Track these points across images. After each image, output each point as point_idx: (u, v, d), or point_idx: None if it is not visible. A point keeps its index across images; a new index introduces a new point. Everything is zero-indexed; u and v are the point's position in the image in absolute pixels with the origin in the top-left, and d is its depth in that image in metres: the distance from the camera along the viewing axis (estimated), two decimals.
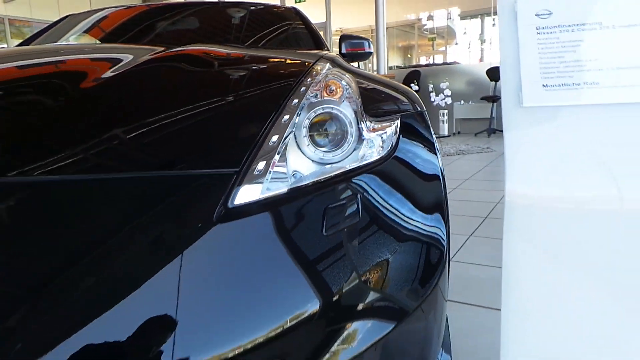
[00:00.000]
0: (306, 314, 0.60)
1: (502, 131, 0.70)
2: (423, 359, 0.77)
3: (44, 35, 2.24)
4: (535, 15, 0.71)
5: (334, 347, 0.62)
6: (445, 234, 0.82)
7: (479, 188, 3.59)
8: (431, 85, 7.50)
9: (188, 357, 0.51)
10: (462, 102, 7.54)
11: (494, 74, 6.87)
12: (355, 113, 0.84)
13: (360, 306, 0.65)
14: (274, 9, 2.62)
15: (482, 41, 10.89)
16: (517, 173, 0.66)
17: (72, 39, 2.17)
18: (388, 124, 0.88)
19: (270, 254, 0.62)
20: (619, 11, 0.66)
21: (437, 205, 0.85)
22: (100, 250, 0.58)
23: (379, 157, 0.82)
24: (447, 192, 0.95)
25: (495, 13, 10.71)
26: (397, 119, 0.91)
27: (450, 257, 1.06)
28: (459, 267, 1.95)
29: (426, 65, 11.03)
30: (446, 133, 7.21)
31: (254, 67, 1.07)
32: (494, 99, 6.91)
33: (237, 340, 0.55)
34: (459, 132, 7.79)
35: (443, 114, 7.17)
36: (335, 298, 0.63)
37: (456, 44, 13.61)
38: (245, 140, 0.72)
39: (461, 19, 11.62)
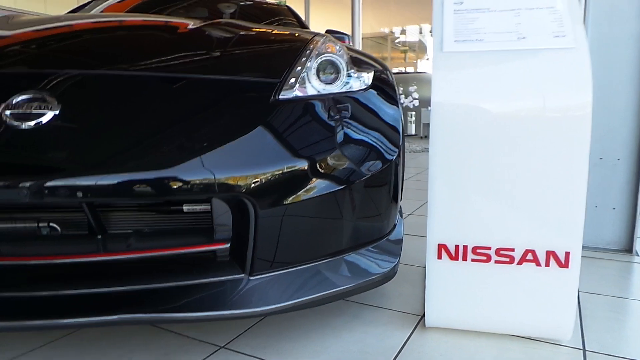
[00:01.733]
0: (316, 158, 1.07)
1: None
2: (388, 212, 1.26)
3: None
4: (454, 3, 1.22)
5: (324, 186, 1.09)
6: (399, 142, 1.30)
7: None
8: (401, 89, 8.12)
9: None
10: (429, 108, 8.18)
11: None
12: (346, 62, 1.32)
13: (344, 163, 1.13)
14: (265, 5, 3.05)
15: None
16: (442, 89, 1.15)
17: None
18: (366, 72, 1.37)
19: (296, 125, 1.09)
20: (498, 2, 1.18)
21: (395, 121, 1.34)
22: (197, 113, 1.03)
23: (359, 89, 1.30)
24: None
25: None
26: (372, 71, 1.40)
27: (404, 171, 1.54)
28: (414, 218, 2.50)
29: (398, 72, 11.72)
30: (413, 132, 7.84)
31: (280, 33, 1.55)
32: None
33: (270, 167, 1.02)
34: (425, 136, 8.42)
35: (411, 114, 7.80)
36: (327, 156, 1.10)
37: (427, 59, 14.42)
38: (283, 67, 1.19)
39: (432, 35, 12.36)
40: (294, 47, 1.34)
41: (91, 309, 0.92)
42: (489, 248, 1.16)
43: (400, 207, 1.48)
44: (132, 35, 1.30)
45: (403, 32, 13.86)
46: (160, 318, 0.95)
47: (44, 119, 0.92)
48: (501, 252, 1.16)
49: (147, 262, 1.02)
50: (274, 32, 1.60)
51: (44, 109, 0.93)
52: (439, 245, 1.19)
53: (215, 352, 1.16)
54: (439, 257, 1.20)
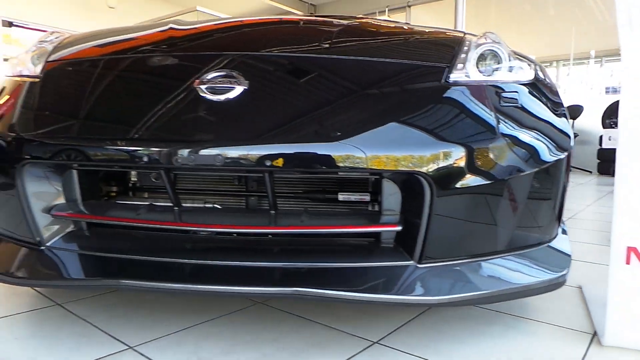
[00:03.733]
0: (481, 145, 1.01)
1: (579, 168, 1.04)
2: (554, 214, 1.15)
3: None
4: None
5: (498, 173, 1.01)
6: (568, 143, 1.19)
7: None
8: None
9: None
10: None
11: (572, 111, 7.01)
12: (508, 53, 1.25)
13: (513, 153, 1.05)
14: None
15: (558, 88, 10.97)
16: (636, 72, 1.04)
17: None
18: (527, 66, 1.29)
19: (466, 109, 1.04)
20: None
21: (562, 120, 1.24)
22: (370, 92, 1.03)
23: (523, 81, 1.22)
24: None
25: (574, 60, 10.76)
26: (533, 67, 1.31)
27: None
28: None
29: None
30: None
31: (433, 28, 1.54)
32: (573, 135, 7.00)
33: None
34: None
35: None
36: (497, 144, 1.03)
37: None
38: (448, 53, 1.16)
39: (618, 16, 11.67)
40: (453, 37, 1.31)
41: (269, 280, 0.93)
42: None
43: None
44: (301, 27, 1.35)
45: None
46: (332, 295, 0.92)
47: (234, 93, 0.97)
48: None
49: (316, 243, 1.02)
50: (426, 28, 1.60)
51: (233, 84, 0.98)
52: (628, 248, 1.05)
53: (369, 346, 1.11)
54: (627, 261, 1.06)
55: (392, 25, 1.49)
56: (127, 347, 1.08)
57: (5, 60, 9.03)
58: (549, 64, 11.67)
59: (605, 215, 3.18)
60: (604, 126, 6.87)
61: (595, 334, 1.19)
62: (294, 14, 10.78)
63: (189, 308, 1.31)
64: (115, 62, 1.12)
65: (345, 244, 1.06)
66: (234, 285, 0.90)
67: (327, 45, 1.15)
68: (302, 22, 1.43)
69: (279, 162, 0.90)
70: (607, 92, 8.17)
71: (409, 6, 9.32)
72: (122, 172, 1.25)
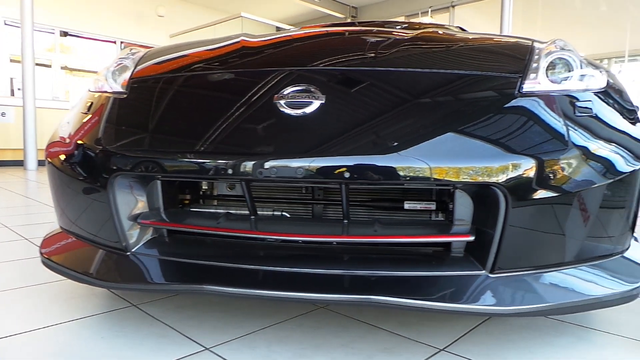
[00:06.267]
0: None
1: None
2: (627, 225, 1.13)
3: None
4: None
5: (572, 185, 1.01)
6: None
7: None
8: None
9: None
10: None
11: None
12: (580, 60, 1.23)
13: (585, 164, 1.03)
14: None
15: None
16: None
17: None
18: (599, 72, 1.26)
19: (540, 119, 1.04)
20: None
21: (636, 129, 1.20)
22: (442, 105, 1.04)
23: (596, 89, 1.20)
24: None
25: (629, 57, 10.23)
26: (604, 73, 1.29)
27: None
28: None
29: None
30: None
31: (498, 36, 1.53)
32: None
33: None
34: None
35: None
36: (570, 155, 1.02)
37: None
38: (521, 64, 1.15)
39: None
40: (521, 46, 1.30)
41: (342, 288, 0.96)
42: None
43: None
44: (368, 38, 1.38)
45: None
46: (406, 304, 0.94)
47: (312, 107, 1.01)
48: None
49: (384, 251, 1.04)
50: (491, 35, 1.60)
51: (311, 99, 1.02)
52: None
53: (436, 353, 1.13)
54: None
55: (459, 34, 1.50)
56: (204, 349, 1.14)
57: (62, 68, 9.61)
58: (599, 62, 11.20)
59: None
60: None
61: None
62: (336, 17, 10.89)
63: (255, 311, 1.37)
64: (195, 78, 1.19)
65: (413, 253, 1.08)
66: (312, 292, 0.94)
67: (398, 58, 1.17)
68: (367, 33, 1.47)
69: (358, 173, 0.93)
70: None
71: (453, 6, 9.22)
72: (195, 182, 1.32)
